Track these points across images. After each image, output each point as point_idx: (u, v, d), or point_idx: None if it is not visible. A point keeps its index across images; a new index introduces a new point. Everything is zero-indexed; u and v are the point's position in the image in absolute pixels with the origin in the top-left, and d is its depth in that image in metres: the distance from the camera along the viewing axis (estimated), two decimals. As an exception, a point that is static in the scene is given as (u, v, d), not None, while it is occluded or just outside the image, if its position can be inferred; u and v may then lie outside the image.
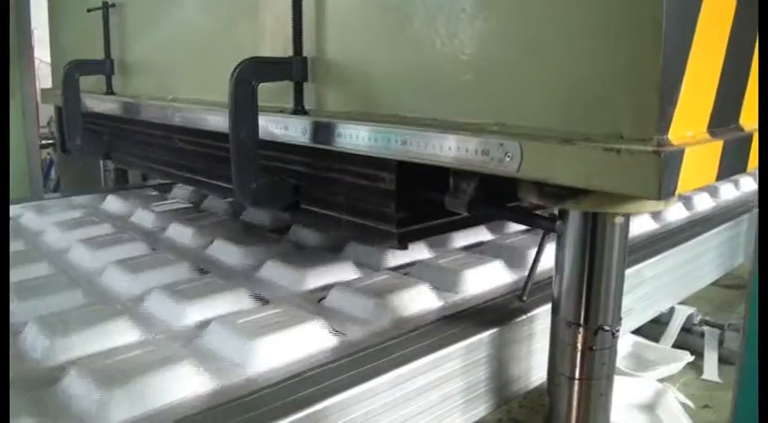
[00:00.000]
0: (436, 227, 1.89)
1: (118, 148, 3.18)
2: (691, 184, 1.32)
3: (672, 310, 3.77)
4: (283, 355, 1.63)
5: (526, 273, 1.83)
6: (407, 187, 1.80)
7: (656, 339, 3.87)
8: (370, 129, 1.73)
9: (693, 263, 2.63)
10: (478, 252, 2.36)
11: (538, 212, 1.81)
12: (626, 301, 2.17)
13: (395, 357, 1.58)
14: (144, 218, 2.98)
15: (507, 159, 1.43)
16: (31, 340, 1.71)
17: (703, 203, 3.24)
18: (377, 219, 1.86)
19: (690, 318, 3.90)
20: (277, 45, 2.01)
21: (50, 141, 5.36)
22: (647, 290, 2.36)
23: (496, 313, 1.83)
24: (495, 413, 1.78)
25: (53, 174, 6.60)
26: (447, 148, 1.55)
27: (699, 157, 1.34)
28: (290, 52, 1.95)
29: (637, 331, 3.28)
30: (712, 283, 2.78)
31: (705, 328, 3.94)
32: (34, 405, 1.43)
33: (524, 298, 1.66)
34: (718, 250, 2.83)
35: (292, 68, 1.95)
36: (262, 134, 1.96)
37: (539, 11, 1.44)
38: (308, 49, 1.96)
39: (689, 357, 3.48)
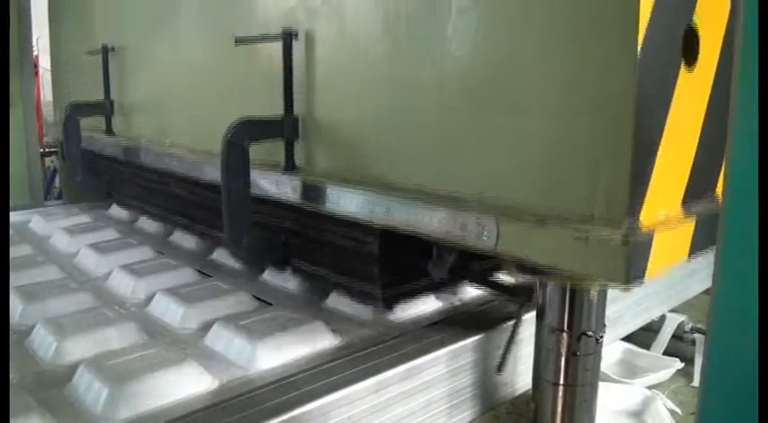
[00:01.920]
0: (420, 288, 1.93)
1: (118, 189, 3.24)
2: (661, 267, 1.36)
3: (663, 317, 3.78)
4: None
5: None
6: (392, 252, 1.84)
7: (647, 347, 3.89)
8: (356, 194, 1.77)
9: (684, 271, 2.63)
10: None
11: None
12: (617, 308, 2.21)
13: (377, 363, 1.61)
14: (147, 224, 3.04)
15: (484, 236, 1.47)
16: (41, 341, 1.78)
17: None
18: (362, 280, 1.90)
19: (681, 325, 3.92)
20: (269, 100, 2.06)
21: (54, 149, 5.36)
22: (638, 297, 2.39)
23: (482, 319, 1.86)
24: (481, 419, 1.80)
25: (57, 181, 6.61)
26: (428, 220, 1.59)
27: (670, 239, 1.38)
28: (281, 108, 2.00)
29: (628, 338, 3.30)
30: (703, 291, 2.79)
31: (696, 335, 3.95)
32: (43, 404, 1.49)
33: (501, 371, 1.69)
34: (710, 259, 2.82)
35: (283, 127, 1.99)
36: (254, 189, 2.01)
37: (517, 90, 1.48)
38: (298, 108, 2.00)
39: (679, 364, 3.50)
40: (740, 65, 0.82)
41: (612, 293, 1.87)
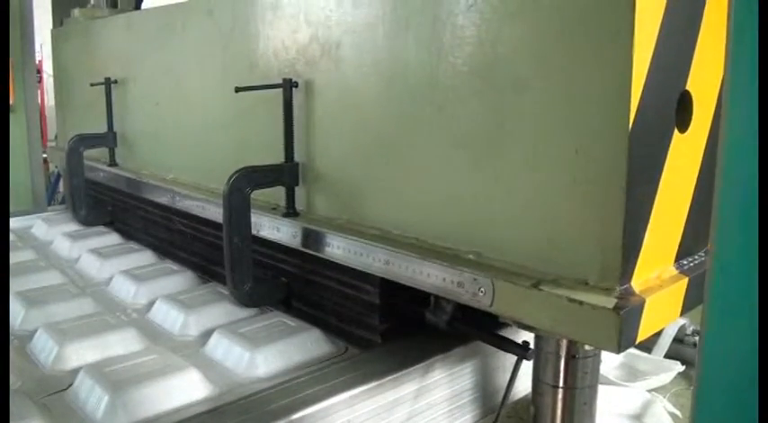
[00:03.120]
0: (420, 336, 1.95)
1: (121, 220, 3.27)
2: (652, 329, 1.40)
3: None
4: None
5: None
6: (391, 301, 1.88)
7: (648, 350, 3.89)
8: (355, 244, 1.80)
9: None
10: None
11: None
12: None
13: (378, 367, 1.64)
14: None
15: (480, 294, 1.50)
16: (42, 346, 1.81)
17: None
18: (362, 327, 1.93)
19: (682, 328, 3.91)
20: (271, 136, 2.09)
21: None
22: None
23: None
24: (482, 422, 1.83)
25: (61, 186, 6.64)
26: (425, 275, 1.62)
27: (662, 301, 1.41)
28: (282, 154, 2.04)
29: None
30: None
31: (697, 338, 3.95)
32: (43, 409, 1.52)
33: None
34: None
35: (284, 174, 2.03)
36: (255, 231, 2.05)
37: (513, 155, 1.51)
38: (298, 155, 2.04)
39: (680, 367, 3.50)
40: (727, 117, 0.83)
41: None
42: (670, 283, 1.46)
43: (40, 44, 4.62)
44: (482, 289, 1.50)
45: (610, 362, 3.53)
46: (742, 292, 0.85)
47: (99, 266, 2.51)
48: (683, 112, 1.47)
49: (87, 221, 3.15)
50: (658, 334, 3.88)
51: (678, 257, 1.54)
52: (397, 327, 1.90)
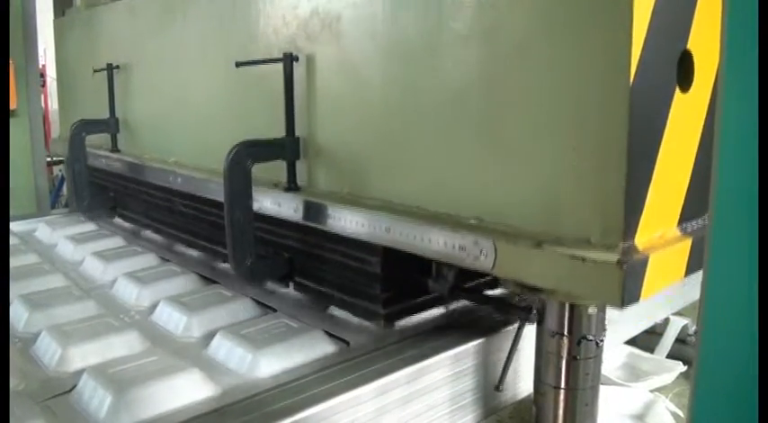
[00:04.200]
0: (421, 305, 1.95)
1: (123, 205, 3.27)
2: (656, 288, 1.38)
3: (666, 320, 3.77)
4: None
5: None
6: (393, 270, 1.87)
7: (651, 350, 3.88)
8: (357, 214, 1.80)
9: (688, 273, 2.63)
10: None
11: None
12: (619, 311, 2.20)
13: (379, 367, 1.63)
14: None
15: (482, 257, 1.50)
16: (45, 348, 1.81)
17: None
18: (364, 298, 1.92)
19: (684, 328, 3.90)
20: (272, 116, 2.09)
21: (62, 158, 5.40)
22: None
23: (484, 323, 1.87)
24: None
25: (65, 189, 6.66)
26: (427, 241, 1.62)
27: (665, 260, 1.40)
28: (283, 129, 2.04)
29: (632, 342, 3.30)
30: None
31: None
32: (47, 411, 1.52)
33: (501, 388, 1.71)
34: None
35: (285, 148, 2.02)
36: (257, 208, 2.05)
37: (514, 116, 1.51)
38: (300, 129, 2.03)
39: (682, 367, 3.49)
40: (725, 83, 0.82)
41: None
42: (674, 243, 1.45)
43: (44, 48, 4.62)
44: (484, 251, 1.49)
45: (612, 362, 3.53)
46: (739, 289, 0.85)
47: (102, 269, 2.50)
48: (684, 71, 1.46)
49: (89, 207, 3.14)
50: (660, 334, 3.88)
51: (682, 220, 1.53)
52: (399, 297, 1.89)
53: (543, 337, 1.68)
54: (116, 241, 2.89)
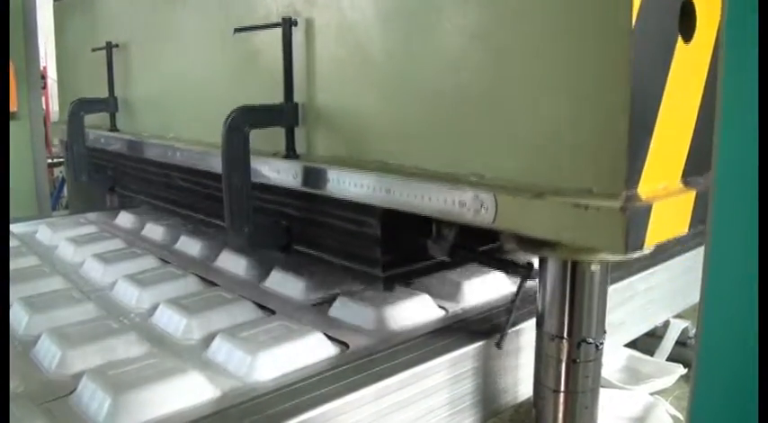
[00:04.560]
0: (421, 269, 1.93)
1: (122, 183, 3.25)
2: (660, 237, 1.36)
3: (667, 323, 3.75)
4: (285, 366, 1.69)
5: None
6: (392, 233, 1.85)
7: (651, 353, 3.86)
8: (356, 176, 1.78)
9: (689, 275, 2.62)
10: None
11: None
12: (620, 314, 2.20)
13: (378, 370, 1.60)
14: (154, 232, 3.03)
15: (483, 211, 1.47)
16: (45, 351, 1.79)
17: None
18: (363, 262, 1.90)
19: (685, 331, 3.88)
20: (271, 89, 2.07)
21: (62, 159, 5.41)
22: (641, 303, 2.37)
23: (483, 326, 1.85)
24: None
25: (65, 191, 6.65)
26: (427, 199, 1.59)
27: (668, 209, 1.38)
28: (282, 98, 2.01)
29: (631, 345, 3.28)
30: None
31: None
32: (47, 413, 1.50)
33: (501, 346, 1.68)
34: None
35: (283, 114, 2.00)
36: (255, 177, 2.03)
37: (511, 69, 1.49)
38: (298, 95, 2.01)
39: (682, 370, 3.47)
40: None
41: (616, 299, 1.85)
42: (677, 194, 1.43)
43: (45, 50, 4.63)
44: (484, 205, 1.47)
45: (612, 365, 3.51)
46: (739, 290, 0.84)
47: (102, 271, 2.48)
48: (686, 20, 1.43)
49: (89, 186, 3.13)
50: (660, 337, 3.86)
51: (685, 174, 1.50)
52: (398, 260, 1.87)
53: (543, 340, 1.67)
54: (116, 243, 2.86)
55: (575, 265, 1.59)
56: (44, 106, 4.91)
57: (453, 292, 2.07)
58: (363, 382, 1.54)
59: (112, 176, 3.28)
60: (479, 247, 1.85)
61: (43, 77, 6.93)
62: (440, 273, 2.09)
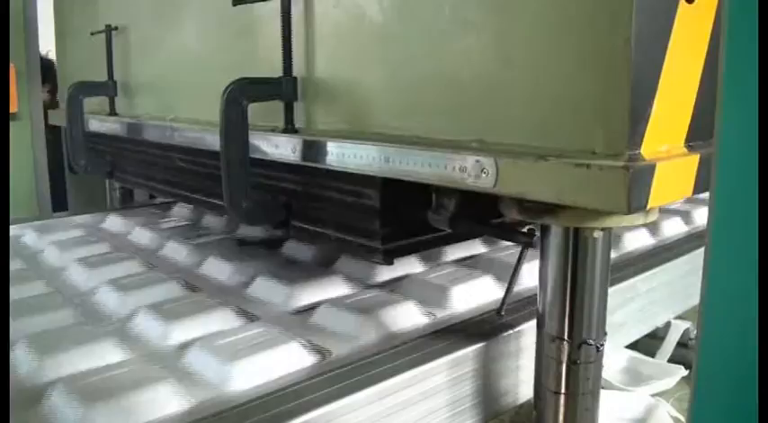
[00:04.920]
0: (421, 243, 1.91)
1: (120, 168, 3.24)
2: (664, 199, 1.34)
3: (668, 324, 3.73)
4: (266, 374, 1.66)
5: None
6: (392, 204, 1.83)
7: (652, 354, 3.84)
8: (354, 146, 1.75)
9: (690, 277, 2.62)
10: (468, 266, 2.38)
11: (521, 228, 1.82)
12: (620, 315, 2.19)
13: (378, 372, 1.59)
14: (142, 236, 3.02)
15: (483, 175, 1.45)
16: (20, 358, 1.74)
17: (702, 218, 3.23)
18: (362, 235, 1.88)
19: (686, 332, 3.86)
20: (270, 66, 2.04)
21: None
22: (642, 304, 2.36)
23: (482, 328, 1.84)
24: None
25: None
26: (427, 165, 1.57)
27: (672, 171, 1.35)
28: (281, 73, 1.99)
29: (632, 346, 3.26)
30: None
31: None
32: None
33: (502, 312, 1.66)
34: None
35: (282, 88, 1.98)
36: (253, 152, 2.00)
37: (512, 31, 1.46)
38: (297, 70, 1.99)
39: (684, 372, 3.45)
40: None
41: (617, 300, 1.83)
42: (681, 157, 1.41)
43: (47, 52, 4.64)
44: (485, 170, 1.45)
45: (613, 366, 3.50)
46: (739, 288, 0.82)
47: (86, 276, 2.43)
48: (689, -21, 1.41)
49: (86, 171, 3.11)
50: (662, 338, 3.85)
51: (688, 139, 1.48)
52: (398, 232, 1.85)
53: (543, 342, 1.65)
54: (102, 247, 2.83)
55: (576, 253, 1.57)
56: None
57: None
58: (362, 384, 1.53)
59: (111, 161, 3.26)
60: (480, 218, 1.82)
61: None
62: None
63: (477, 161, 1.46)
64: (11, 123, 4.19)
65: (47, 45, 4.34)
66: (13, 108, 4.21)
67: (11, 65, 4.15)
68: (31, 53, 4.29)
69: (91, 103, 3.11)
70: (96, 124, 3.15)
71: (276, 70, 2.00)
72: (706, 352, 0.89)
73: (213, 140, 2.24)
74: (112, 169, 3.27)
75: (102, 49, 3.05)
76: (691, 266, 2.59)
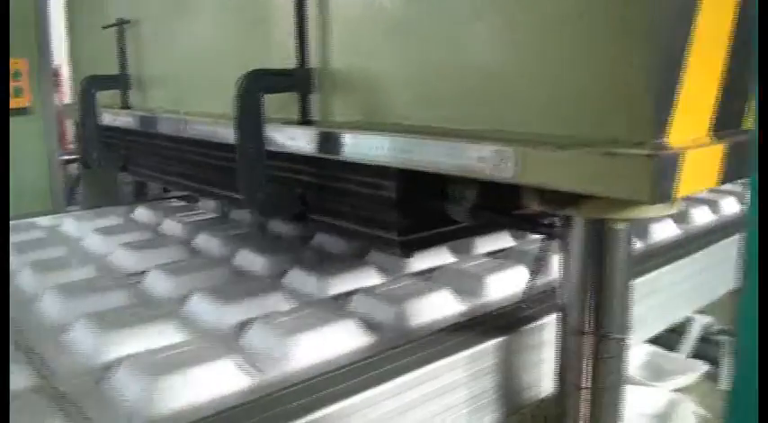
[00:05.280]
0: (439, 235, 1.88)
1: (134, 161, 3.23)
2: (689, 188, 1.31)
3: (689, 319, 3.70)
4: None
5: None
6: (409, 195, 1.80)
7: (674, 349, 3.81)
8: (372, 138, 1.73)
9: (712, 270, 2.59)
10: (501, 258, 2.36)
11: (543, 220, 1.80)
12: (642, 309, 2.15)
13: (398, 365, 1.57)
14: (173, 228, 3.03)
15: (504, 165, 1.42)
16: (78, 339, 1.80)
17: (730, 208, 3.20)
18: (380, 227, 1.86)
19: (707, 327, 3.83)
20: (285, 57, 2.02)
21: (76, 156, 5.43)
22: (664, 298, 2.33)
23: (505, 321, 1.81)
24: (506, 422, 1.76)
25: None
26: (446, 156, 1.54)
27: (697, 160, 1.32)
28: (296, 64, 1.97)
29: (654, 341, 3.24)
30: (731, 292, 2.73)
31: (723, 337, 3.86)
32: (81, 398, 1.50)
33: (524, 305, 1.64)
34: (735, 259, 2.78)
35: (297, 79, 1.96)
36: (269, 145, 1.99)
37: (534, 21, 1.43)
38: (313, 61, 1.97)
39: (705, 367, 3.42)
40: None
41: (638, 294, 1.79)
42: (707, 145, 1.38)
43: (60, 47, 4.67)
44: (505, 159, 1.42)
45: (634, 361, 3.47)
46: None
47: (133, 260, 2.50)
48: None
49: (100, 165, 3.11)
50: (681, 333, 3.82)
51: (713, 128, 1.45)
52: (415, 224, 1.82)
53: (566, 336, 1.62)
54: (143, 234, 2.90)
55: (599, 245, 1.54)
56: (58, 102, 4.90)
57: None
58: (383, 377, 1.52)
59: (124, 155, 3.26)
60: (501, 209, 1.79)
61: (57, 75, 6.96)
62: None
63: (497, 151, 1.44)
64: (23, 118, 4.23)
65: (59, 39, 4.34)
66: (25, 102, 4.24)
67: (24, 60, 4.20)
68: (43, 48, 4.29)
69: (103, 96, 3.10)
70: (109, 118, 3.14)
71: (291, 61, 1.97)
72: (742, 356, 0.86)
73: (228, 133, 2.23)
74: (126, 163, 3.26)
75: (115, 43, 3.04)
76: (713, 260, 2.56)
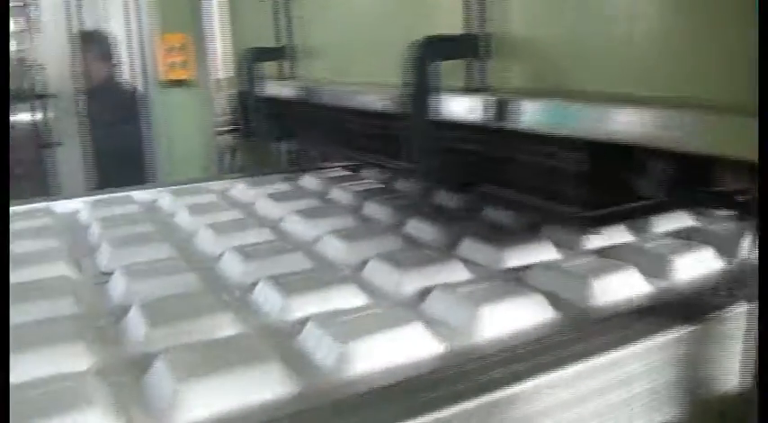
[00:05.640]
0: (626, 211, 1.77)
1: (296, 132, 3.27)
2: None
3: None
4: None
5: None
6: (597, 168, 1.69)
7: None
8: (555, 106, 1.64)
9: None
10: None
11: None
12: None
13: (572, 352, 1.44)
14: (341, 196, 3.05)
15: (700, 136, 1.30)
16: (263, 298, 1.84)
17: None
18: (561, 202, 1.77)
19: None
20: (455, 23, 1.96)
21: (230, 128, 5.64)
22: None
23: (695, 307, 1.64)
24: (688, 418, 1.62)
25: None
26: (637, 125, 1.43)
27: None
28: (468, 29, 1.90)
29: None
30: None
31: None
32: (278, 351, 1.51)
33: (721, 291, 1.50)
34: None
35: (472, 45, 1.88)
36: (440, 113, 1.93)
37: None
38: (488, 26, 1.88)
39: None
40: None
41: None
42: None
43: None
44: (703, 127, 1.29)
45: None
46: None
47: (305, 226, 2.52)
48: None
49: (260, 136, 3.18)
50: None
51: None
52: (599, 199, 1.72)
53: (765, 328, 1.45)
54: (312, 201, 2.91)
55: None
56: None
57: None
58: (555, 364, 1.39)
59: (285, 126, 3.30)
60: (696, 184, 1.66)
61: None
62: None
63: (694, 119, 1.31)
64: (189, 90, 4.54)
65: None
66: (188, 75, 4.54)
67: (184, 35, 4.44)
68: (203, 22, 4.43)
69: (262, 68, 3.15)
70: (271, 89, 3.19)
71: (459, 28, 1.91)
72: None
73: (392, 103, 2.19)
74: (287, 133, 3.30)
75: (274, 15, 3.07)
76: None
